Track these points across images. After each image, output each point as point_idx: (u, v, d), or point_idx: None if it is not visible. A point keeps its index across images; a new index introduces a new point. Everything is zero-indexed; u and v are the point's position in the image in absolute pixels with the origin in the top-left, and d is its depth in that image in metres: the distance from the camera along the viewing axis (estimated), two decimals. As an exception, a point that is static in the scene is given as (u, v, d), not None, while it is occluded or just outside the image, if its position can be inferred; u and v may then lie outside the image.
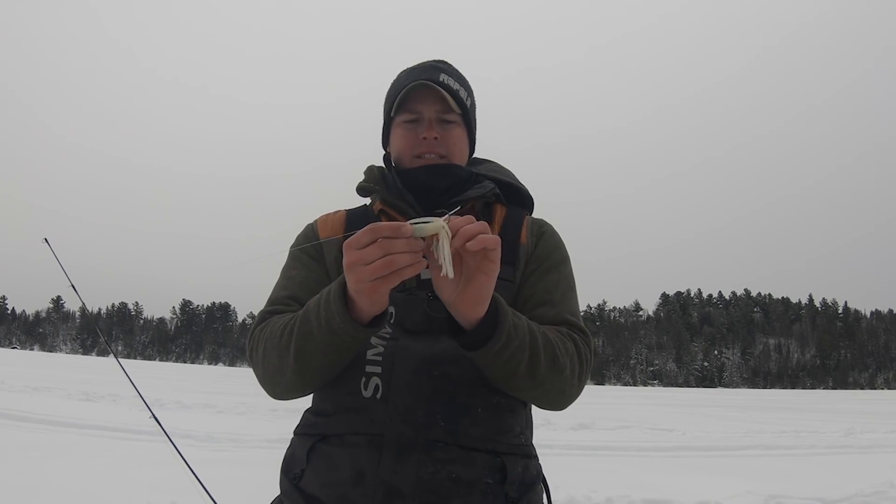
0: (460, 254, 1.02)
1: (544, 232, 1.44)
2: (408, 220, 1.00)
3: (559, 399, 1.26)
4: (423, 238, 1.00)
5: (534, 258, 1.39)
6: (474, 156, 1.56)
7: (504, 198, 1.49)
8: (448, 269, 1.00)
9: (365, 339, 1.16)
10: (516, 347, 1.12)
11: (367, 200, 1.52)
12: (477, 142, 1.54)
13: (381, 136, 1.52)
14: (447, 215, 1.01)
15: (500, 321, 1.10)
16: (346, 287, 1.09)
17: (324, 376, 1.24)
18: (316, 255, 1.41)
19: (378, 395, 1.22)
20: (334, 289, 1.11)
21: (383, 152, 1.53)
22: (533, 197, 1.55)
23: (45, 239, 2.94)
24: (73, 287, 3.11)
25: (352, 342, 1.14)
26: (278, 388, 1.28)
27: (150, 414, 2.99)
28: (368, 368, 1.24)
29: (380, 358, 1.24)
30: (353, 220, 1.45)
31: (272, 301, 1.37)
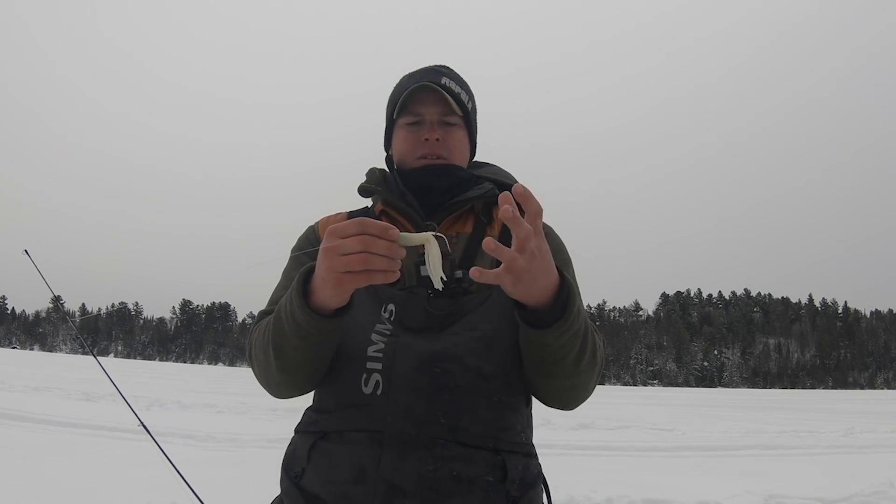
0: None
1: (545, 234, 1.44)
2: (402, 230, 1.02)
3: (581, 394, 1.27)
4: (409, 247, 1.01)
5: None
6: (476, 159, 1.57)
7: None
8: (435, 279, 1.01)
9: (331, 332, 1.15)
10: (574, 333, 1.12)
11: (369, 202, 1.53)
12: (478, 143, 1.55)
13: (382, 139, 1.53)
14: (436, 230, 1.01)
15: (569, 303, 1.09)
16: (307, 279, 1.11)
17: (309, 373, 1.25)
18: (316, 256, 1.41)
19: (379, 392, 1.22)
20: (296, 280, 1.12)
21: (384, 153, 1.54)
22: None
23: (26, 251, 2.91)
24: (58, 297, 3.07)
25: (319, 335, 1.14)
26: (271, 386, 1.30)
27: (139, 422, 2.98)
28: (369, 365, 1.24)
29: (380, 355, 1.24)
30: None
31: (271, 302, 1.39)
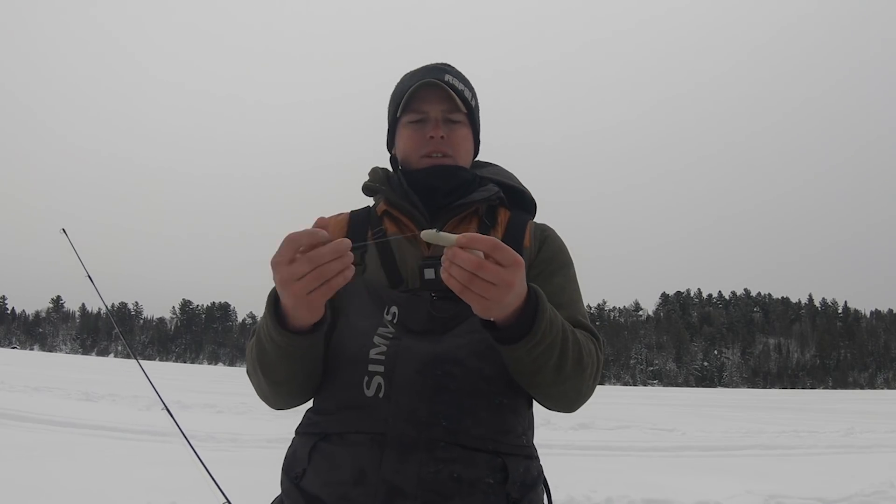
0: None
1: (547, 236, 1.44)
2: (422, 230, 1.02)
3: (575, 400, 1.27)
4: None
5: (538, 262, 1.40)
6: (478, 159, 1.57)
7: (507, 201, 1.50)
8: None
9: (311, 346, 1.18)
10: (548, 346, 1.13)
11: (371, 202, 1.52)
12: (480, 141, 1.54)
13: (384, 138, 1.52)
14: (457, 237, 1.00)
15: (537, 319, 1.10)
16: (277, 300, 1.12)
17: (298, 384, 1.27)
18: None
19: (380, 395, 1.22)
20: (267, 305, 1.14)
21: (385, 152, 1.53)
22: (536, 201, 1.55)
23: (63, 229, 2.98)
24: (90, 277, 3.13)
25: (299, 352, 1.16)
26: (268, 400, 1.33)
27: (163, 405, 3.00)
28: (371, 367, 1.24)
29: (382, 357, 1.24)
30: (357, 221, 1.46)
31: None
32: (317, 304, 1.05)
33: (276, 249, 1.02)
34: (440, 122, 1.40)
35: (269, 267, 1.03)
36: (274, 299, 1.13)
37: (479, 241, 0.99)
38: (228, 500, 2.41)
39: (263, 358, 1.21)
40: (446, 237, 1.00)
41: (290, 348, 1.15)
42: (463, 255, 0.98)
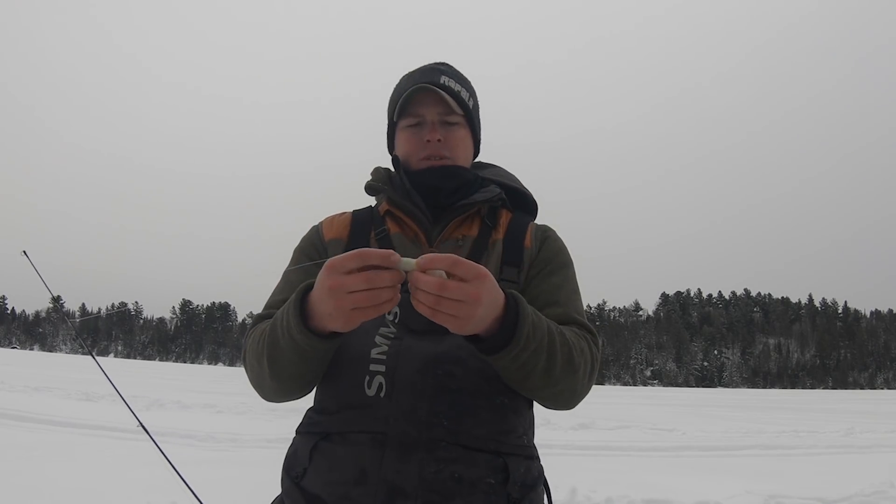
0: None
1: (548, 237, 1.45)
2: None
3: (570, 399, 1.26)
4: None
5: (537, 262, 1.40)
6: (479, 160, 1.57)
7: (509, 202, 1.50)
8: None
9: (328, 350, 1.15)
10: (533, 351, 1.12)
11: (373, 202, 1.52)
12: (481, 141, 1.54)
13: (385, 139, 1.52)
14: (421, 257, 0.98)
15: (518, 327, 1.09)
16: (304, 297, 1.09)
17: (302, 383, 1.25)
18: (319, 258, 1.41)
19: (382, 394, 1.22)
20: (293, 300, 1.10)
21: (384, 153, 1.54)
22: (537, 202, 1.55)
23: (24, 252, 2.93)
24: (57, 298, 3.10)
25: (315, 353, 1.14)
26: (263, 391, 1.31)
27: (138, 423, 2.99)
28: (373, 367, 1.24)
29: (384, 357, 1.24)
30: (359, 221, 1.46)
31: (268, 305, 1.38)
32: (355, 322, 1.02)
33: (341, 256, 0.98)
34: (436, 125, 1.40)
35: (324, 267, 0.99)
36: (301, 295, 1.10)
37: (438, 260, 0.97)
38: (200, 501, 2.41)
39: (274, 352, 1.18)
40: (406, 262, 0.97)
41: (309, 349, 1.12)
42: (424, 278, 0.96)
